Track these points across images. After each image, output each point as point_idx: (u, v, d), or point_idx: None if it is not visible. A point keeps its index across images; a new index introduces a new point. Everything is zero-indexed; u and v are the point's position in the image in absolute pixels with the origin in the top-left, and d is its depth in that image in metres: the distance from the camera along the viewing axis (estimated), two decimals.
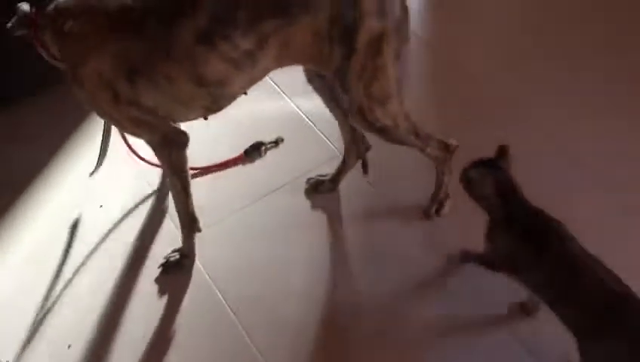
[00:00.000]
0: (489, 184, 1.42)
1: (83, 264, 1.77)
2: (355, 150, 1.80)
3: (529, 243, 1.39)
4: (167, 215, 1.87)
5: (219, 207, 1.86)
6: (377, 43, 1.38)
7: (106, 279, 1.73)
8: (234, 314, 1.63)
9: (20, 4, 1.46)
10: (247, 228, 1.82)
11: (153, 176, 1.96)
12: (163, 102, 1.45)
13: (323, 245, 1.77)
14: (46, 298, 1.70)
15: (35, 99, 2.17)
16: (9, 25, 1.45)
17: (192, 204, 1.66)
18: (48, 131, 2.12)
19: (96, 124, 2.01)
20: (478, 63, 2.22)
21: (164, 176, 1.93)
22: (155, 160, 1.66)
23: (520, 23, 2.38)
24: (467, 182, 1.47)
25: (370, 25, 1.36)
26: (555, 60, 2.17)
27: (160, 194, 1.93)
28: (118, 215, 1.88)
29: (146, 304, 1.68)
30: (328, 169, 1.87)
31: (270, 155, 2.00)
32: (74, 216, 1.89)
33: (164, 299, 1.69)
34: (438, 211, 1.78)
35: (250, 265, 1.73)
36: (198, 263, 1.74)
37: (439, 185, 1.75)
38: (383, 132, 1.54)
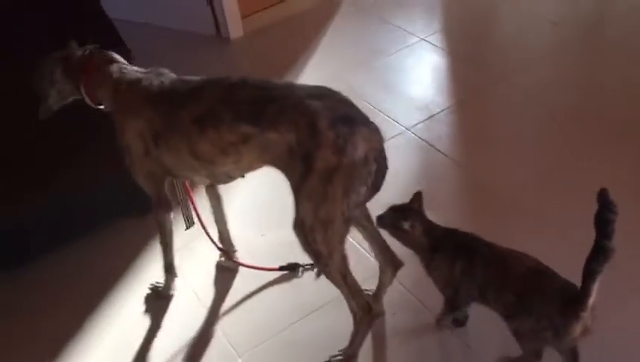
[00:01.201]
0: (418, 231, 1.72)
1: None
2: (389, 269, 1.89)
3: (462, 255, 1.69)
4: (222, 334, 1.97)
5: (264, 327, 1.97)
6: (330, 173, 1.50)
7: None
8: None
9: (71, 42, 1.88)
10: (292, 346, 1.90)
11: (206, 298, 2.10)
12: (177, 166, 1.78)
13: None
14: None
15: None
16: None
17: (170, 253, 2.05)
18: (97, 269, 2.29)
19: (148, 260, 2.24)
20: (503, 180, 2.37)
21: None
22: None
23: (540, 142, 2.55)
24: (395, 228, 1.74)
25: (326, 156, 1.49)
26: (574, 179, 2.30)
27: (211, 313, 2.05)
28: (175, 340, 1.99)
29: None
30: (372, 285, 1.95)
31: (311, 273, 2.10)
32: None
33: None
34: None
35: None
36: None
37: (351, 342, 1.79)
38: (315, 256, 1.63)
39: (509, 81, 2.90)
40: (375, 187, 1.61)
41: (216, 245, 2.16)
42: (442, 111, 2.77)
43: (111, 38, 2.26)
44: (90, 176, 2.28)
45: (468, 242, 1.72)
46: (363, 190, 1.56)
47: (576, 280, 1.50)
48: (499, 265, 1.64)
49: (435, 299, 1.83)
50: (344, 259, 1.65)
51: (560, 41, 3.16)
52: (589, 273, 1.45)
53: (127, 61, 1.89)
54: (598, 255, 1.43)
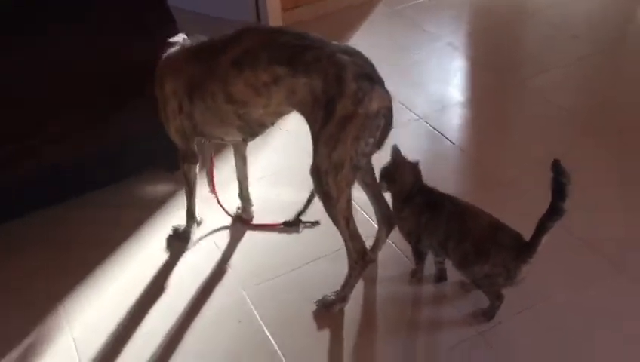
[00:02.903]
0: (410, 171, 1.96)
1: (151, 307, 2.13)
2: (385, 227, 2.11)
3: (430, 210, 1.93)
4: (231, 271, 2.22)
5: (268, 269, 2.21)
6: (346, 120, 1.72)
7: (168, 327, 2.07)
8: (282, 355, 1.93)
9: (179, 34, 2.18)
10: (291, 286, 2.14)
11: (222, 242, 2.35)
12: (208, 119, 1.97)
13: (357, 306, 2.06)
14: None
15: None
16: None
17: (194, 204, 2.30)
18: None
19: (172, 209, 2.50)
20: (508, 168, 2.57)
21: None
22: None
23: (542, 137, 2.74)
24: (396, 159, 1.95)
25: (345, 104, 1.71)
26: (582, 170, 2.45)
27: (224, 255, 2.30)
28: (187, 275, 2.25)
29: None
30: (370, 243, 2.16)
31: (322, 227, 2.32)
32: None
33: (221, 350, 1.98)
34: (328, 307, 2.01)
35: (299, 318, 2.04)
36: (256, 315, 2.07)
37: (343, 285, 2.00)
38: (325, 197, 1.84)
39: (524, 84, 3.09)
40: (379, 142, 1.84)
41: (227, 212, 2.41)
42: (455, 104, 2.98)
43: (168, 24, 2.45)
44: (135, 126, 2.50)
45: (437, 198, 1.96)
46: (370, 141, 1.78)
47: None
48: (461, 220, 1.88)
49: None
50: (349, 203, 1.87)
51: (579, 53, 3.32)
52: (542, 227, 1.70)
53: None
54: (552, 213, 1.67)
